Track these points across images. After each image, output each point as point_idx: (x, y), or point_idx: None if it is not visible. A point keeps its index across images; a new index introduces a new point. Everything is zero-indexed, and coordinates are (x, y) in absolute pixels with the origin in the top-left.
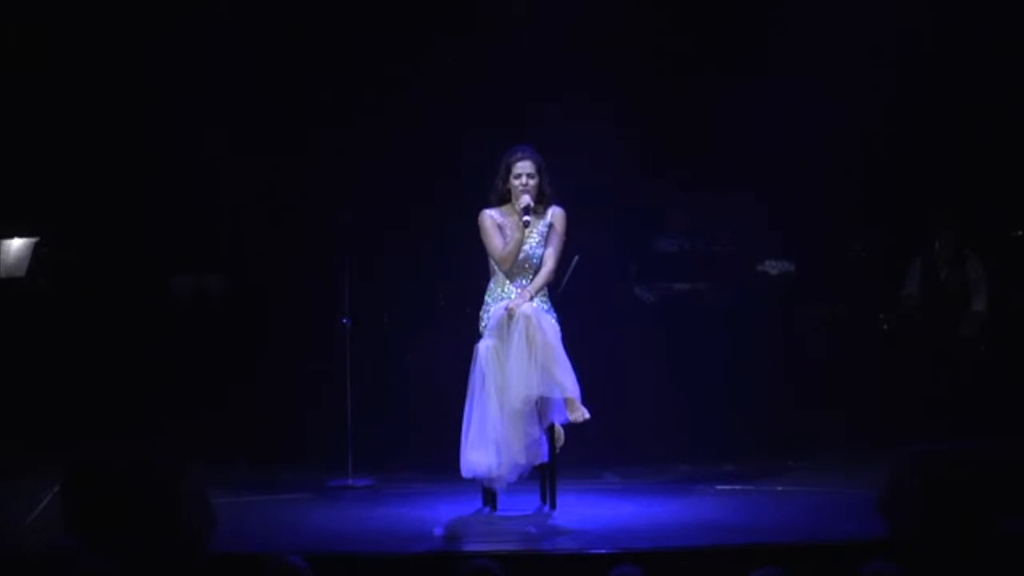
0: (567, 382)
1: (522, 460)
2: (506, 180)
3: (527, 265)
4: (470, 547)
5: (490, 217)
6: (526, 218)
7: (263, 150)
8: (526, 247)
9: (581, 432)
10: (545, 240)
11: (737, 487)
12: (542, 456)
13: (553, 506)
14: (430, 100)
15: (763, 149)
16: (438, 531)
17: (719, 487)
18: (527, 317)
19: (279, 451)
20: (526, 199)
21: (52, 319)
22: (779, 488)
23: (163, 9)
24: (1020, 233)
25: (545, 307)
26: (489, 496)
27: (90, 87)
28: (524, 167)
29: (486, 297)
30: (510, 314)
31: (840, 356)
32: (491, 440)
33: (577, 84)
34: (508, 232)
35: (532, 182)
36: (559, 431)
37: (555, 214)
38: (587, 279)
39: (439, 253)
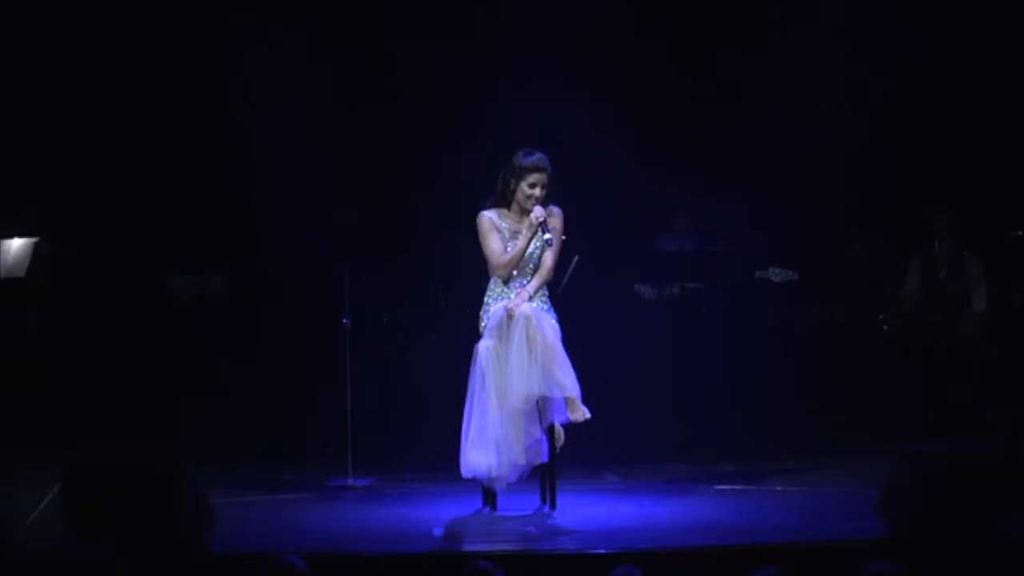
0: (567, 382)
1: (522, 460)
2: (515, 183)
3: (527, 266)
4: (470, 547)
5: (488, 219)
6: (547, 236)
7: (262, 150)
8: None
9: (581, 432)
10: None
11: (737, 487)
12: (542, 456)
13: (553, 506)
14: (431, 100)
15: (763, 149)
16: (438, 531)
17: (719, 487)
18: (527, 317)
19: (279, 451)
20: (540, 211)
21: (52, 319)
22: (779, 488)
23: (158, 11)
24: (1020, 233)
25: (545, 307)
26: (489, 496)
27: (91, 87)
28: (540, 179)
29: (486, 297)
30: (510, 314)
31: (840, 356)
32: (491, 440)
33: (578, 85)
34: (506, 235)
35: (543, 193)
36: (559, 431)
37: (554, 213)
38: (587, 279)
39: (439, 253)
